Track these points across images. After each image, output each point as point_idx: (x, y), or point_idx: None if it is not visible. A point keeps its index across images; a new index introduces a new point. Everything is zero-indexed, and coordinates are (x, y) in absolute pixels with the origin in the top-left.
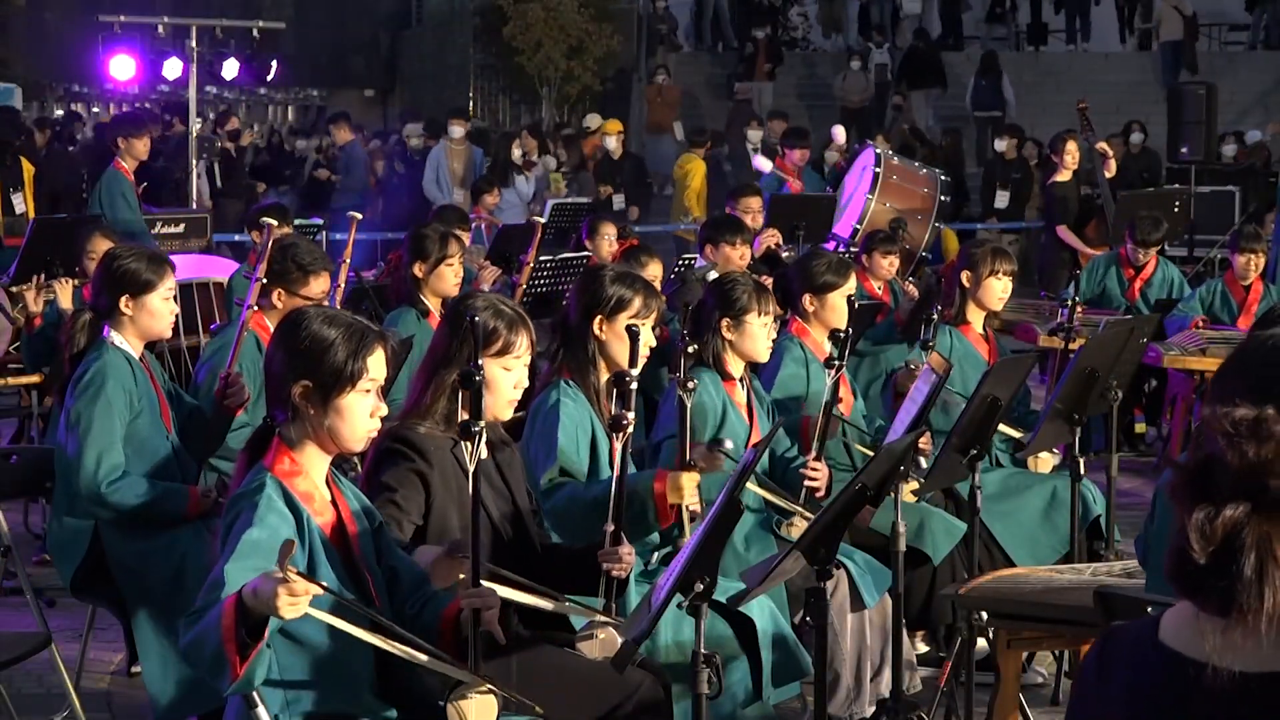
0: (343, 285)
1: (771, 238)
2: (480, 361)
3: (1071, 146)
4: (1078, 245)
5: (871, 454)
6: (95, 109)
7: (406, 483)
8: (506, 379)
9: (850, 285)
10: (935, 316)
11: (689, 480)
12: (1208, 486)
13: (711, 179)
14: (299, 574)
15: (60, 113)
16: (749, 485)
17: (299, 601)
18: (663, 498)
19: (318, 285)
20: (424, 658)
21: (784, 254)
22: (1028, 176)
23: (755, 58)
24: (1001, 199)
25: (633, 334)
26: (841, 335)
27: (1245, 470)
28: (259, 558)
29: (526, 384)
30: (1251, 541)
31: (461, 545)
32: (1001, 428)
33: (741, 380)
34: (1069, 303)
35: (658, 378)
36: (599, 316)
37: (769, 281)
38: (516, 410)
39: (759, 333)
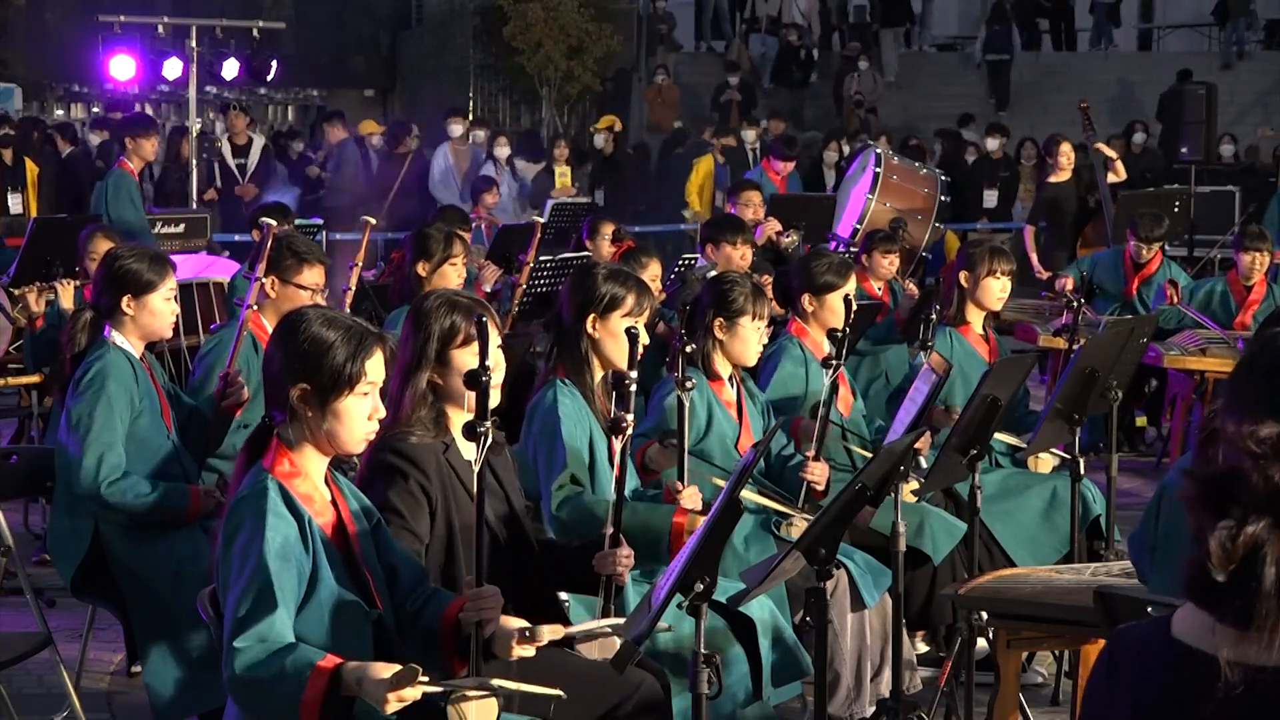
0: (353, 288)
1: (772, 227)
2: (449, 354)
3: (1066, 148)
4: (1031, 254)
5: (869, 455)
6: (95, 109)
7: (412, 504)
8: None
9: (850, 286)
10: (934, 317)
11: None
12: (1228, 500)
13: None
14: (422, 684)
15: (60, 112)
16: (745, 493)
17: (403, 704)
18: (679, 536)
19: (311, 275)
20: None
21: (785, 240)
22: (1015, 176)
23: (729, 107)
24: (990, 199)
25: (632, 336)
26: (839, 335)
27: (1271, 492)
28: (283, 561)
29: (503, 364)
30: (1273, 557)
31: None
32: (1002, 437)
33: (730, 379)
34: (1074, 304)
35: (658, 376)
36: (592, 315)
37: (769, 281)
38: (511, 407)
39: (750, 336)
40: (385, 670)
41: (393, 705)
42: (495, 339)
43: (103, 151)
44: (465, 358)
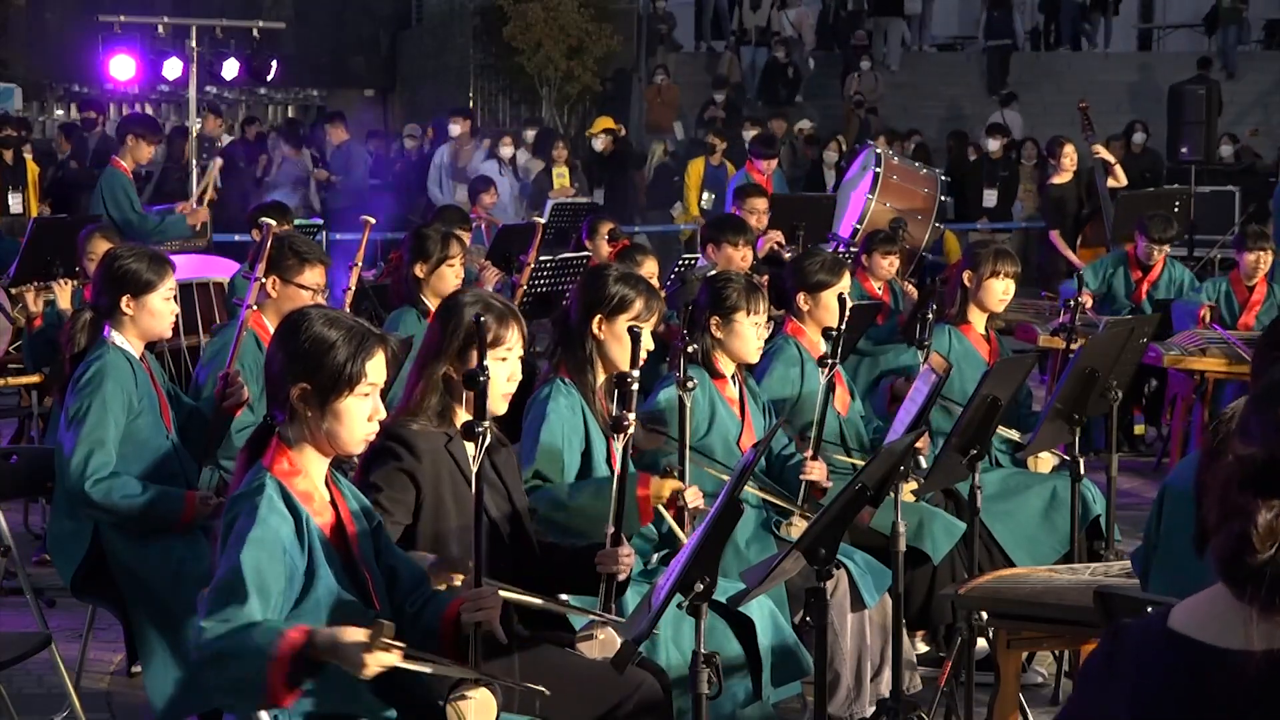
0: (353, 288)
1: (774, 239)
2: (470, 351)
3: (1069, 149)
4: (1067, 253)
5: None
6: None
7: (394, 482)
8: (499, 370)
9: (844, 284)
10: (930, 316)
11: (669, 486)
12: (1271, 486)
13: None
14: (389, 644)
15: (60, 112)
16: (748, 487)
17: (382, 667)
18: (646, 500)
19: (312, 275)
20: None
21: (786, 255)
22: (1015, 175)
23: (713, 123)
24: (990, 198)
25: (634, 335)
26: (834, 333)
27: None
28: (265, 555)
29: (520, 377)
30: None
31: (449, 564)
32: (1001, 431)
33: (733, 378)
34: (1071, 302)
35: (657, 374)
36: (599, 316)
37: (764, 280)
38: (511, 406)
39: (748, 332)
40: (359, 633)
41: (371, 668)
42: (519, 350)
43: (78, 151)
44: (486, 359)
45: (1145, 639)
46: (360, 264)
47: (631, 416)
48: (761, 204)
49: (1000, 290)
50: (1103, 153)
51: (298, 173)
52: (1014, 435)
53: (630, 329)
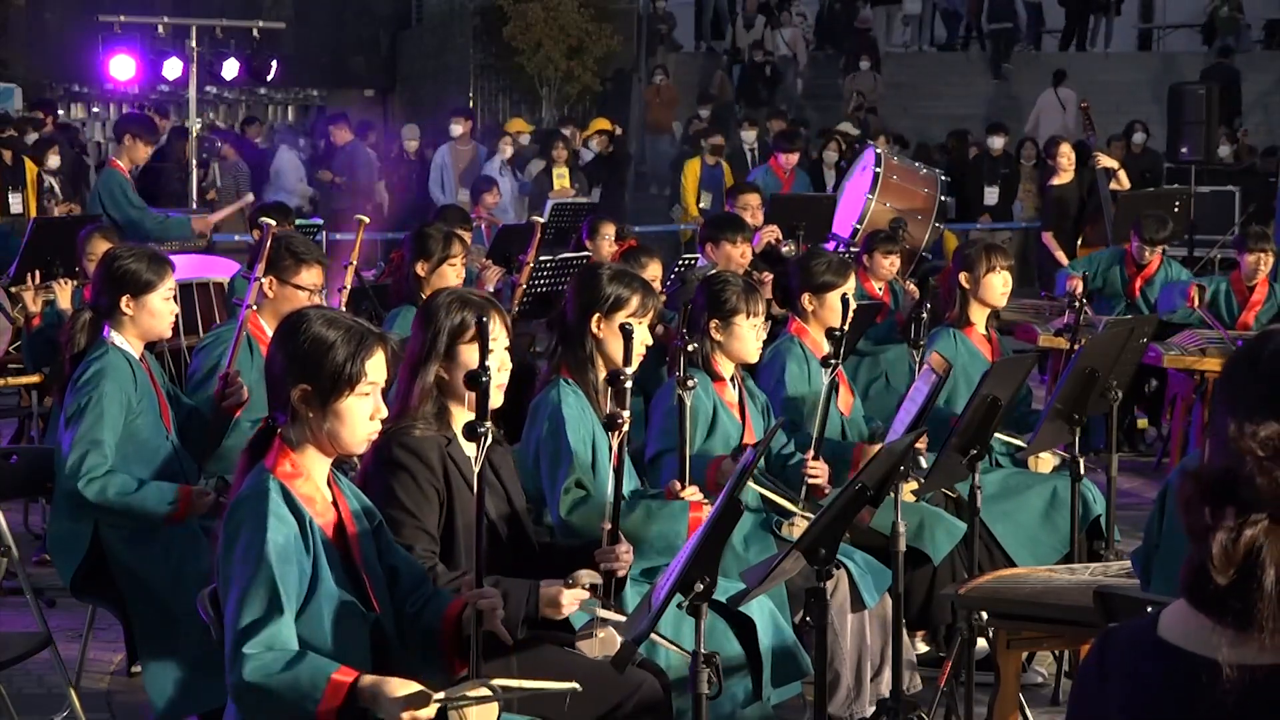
0: (348, 288)
1: (771, 233)
2: (457, 349)
3: (1065, 149)
4: (1057, 254)
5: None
6: (95, 109)
7: (423, 502)
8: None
9: (849, 285)
10: (925, 316)
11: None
12: (1227, 498)
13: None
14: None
15: (60, 112)
16: (750, 485)
17: None
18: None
19: (310, 276)
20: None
21: (784, 249)
22: (1016, 173)
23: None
24: (990, 196)
25: (626, 332)
26: (837, 334)
27: (1274, 493)
28: (285, 564)
29: (509, 365)
30: (1272, 558)
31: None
32: (1002, 436)
33: (732, 380)
34: (1076, 304)
35: (658, 376)
36: (596, 315)
37: (768, 279)
38: (511, 406)
39: (747, 334)
40: (400, 688)
41: None
42: (504, 340)
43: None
44: (472, 354)
45: (1135, 644)
46: (355, 263)
47: (626, 414)
48: (754, 200)
49: (1000, 284)
50: (1105, 160)
51: (235, 178)
52: (1017, 440)
53: (622, 326)
